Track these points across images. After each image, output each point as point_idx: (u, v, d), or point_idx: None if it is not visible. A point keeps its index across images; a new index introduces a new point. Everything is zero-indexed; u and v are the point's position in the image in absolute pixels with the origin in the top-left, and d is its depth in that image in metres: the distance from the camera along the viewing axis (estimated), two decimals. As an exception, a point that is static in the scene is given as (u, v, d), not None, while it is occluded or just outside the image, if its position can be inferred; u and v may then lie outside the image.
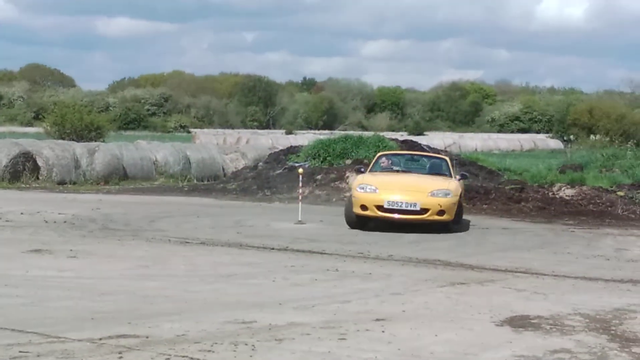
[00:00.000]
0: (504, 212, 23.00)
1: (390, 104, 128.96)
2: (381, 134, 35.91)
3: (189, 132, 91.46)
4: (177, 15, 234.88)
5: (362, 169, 20.32)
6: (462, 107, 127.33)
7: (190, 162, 35.12)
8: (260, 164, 32.39)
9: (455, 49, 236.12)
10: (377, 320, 9.35)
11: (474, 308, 10.27)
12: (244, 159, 36.50)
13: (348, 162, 28.01)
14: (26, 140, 34.98)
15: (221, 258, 14.12)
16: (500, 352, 8.25)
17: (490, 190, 24.82)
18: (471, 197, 23.81)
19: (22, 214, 19.57)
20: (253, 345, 8.10)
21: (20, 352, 7.73)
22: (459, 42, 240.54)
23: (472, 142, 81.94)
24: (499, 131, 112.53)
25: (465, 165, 29.68)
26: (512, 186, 25.50)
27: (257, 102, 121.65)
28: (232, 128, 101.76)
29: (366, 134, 35.05)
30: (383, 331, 8.85)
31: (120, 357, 7.62)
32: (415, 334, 8.84)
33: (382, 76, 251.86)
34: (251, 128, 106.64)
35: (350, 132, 41.74)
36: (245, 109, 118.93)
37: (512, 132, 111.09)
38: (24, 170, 29.87)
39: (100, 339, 8.21)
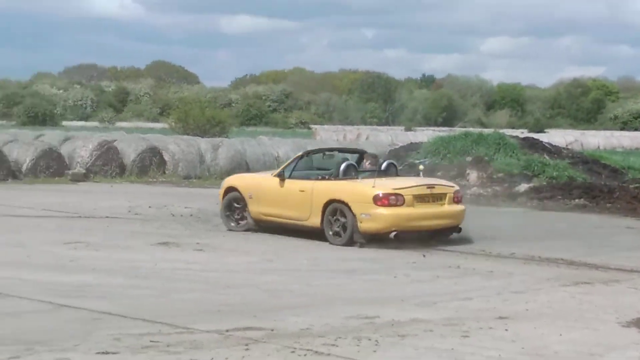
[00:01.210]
0: (628, 211, 22.45)
1: (510, 100, 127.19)
2: (501, 131, 35.51)
3: (309, 128, 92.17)
4: (298, 13, 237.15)
5: None
6: (584, 104, 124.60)
7: (311, 158, 35.44)
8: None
9: (576, 45, 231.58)
10: (500, 318, 9.33)
11: (598, 308, 10.12)
12: (363, 156, 36.62)
13: (468, 159, 27.81)
14: (153, 135, 35.90)
15: (343, 253, 14.26)
16: (626, 353, 8.13)
17: (614, 189, 24.28)
18: (594, 196, 23.37)
19: (149, 207, 20.11)
20: (376, 341, 8.19)
21: (151, 341, 8.01)
22: (580, 38, 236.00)
23: (595, 139, 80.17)
24: (622, 129, 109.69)
25: (588, 163, 29.11)
26: (637, 185, 24.89)
27: (376, 98, 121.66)
28: (352, 124, 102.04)
29: (486, 131, 34.69)
30: (506, 329, 8.82)
31: (247, 349, 7.81)
32: (538, 333, 8.78)
33: (502, 73, 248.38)
34: (370, 124, 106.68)
35: (470, 129, 41.40)
36: (365, 105, 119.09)
37: (636, 129, 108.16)
38: (151, 165, 30.65)
39: (227, 331, 8.43)
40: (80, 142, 30.20)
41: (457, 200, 16.02)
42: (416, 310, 9.74)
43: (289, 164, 16.95)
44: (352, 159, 16.89)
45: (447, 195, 15.82)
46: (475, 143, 29.06)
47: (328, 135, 68.50)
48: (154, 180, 29.74)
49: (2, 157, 27.13)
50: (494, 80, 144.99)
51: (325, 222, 15.41)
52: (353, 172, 15.89)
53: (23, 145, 28.68)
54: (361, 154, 17.29)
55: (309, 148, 34.61)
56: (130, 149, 30.64)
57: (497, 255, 14.44)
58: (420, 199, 15.39)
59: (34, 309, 9.50)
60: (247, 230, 16.77)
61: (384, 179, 15.71)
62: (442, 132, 51.34)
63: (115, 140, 31.18)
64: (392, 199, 14.92)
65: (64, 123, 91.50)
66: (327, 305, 9.95)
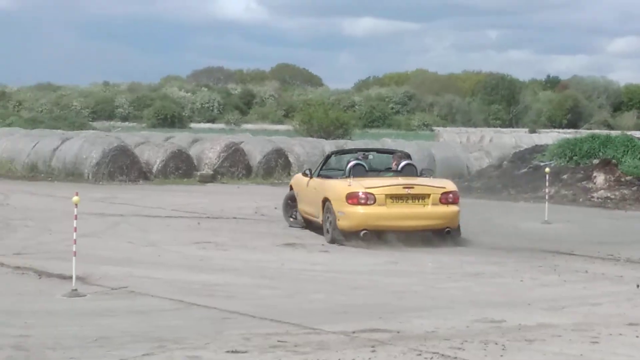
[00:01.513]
0: None
1: (637, 102, 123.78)
2: (629, 133, 34.65)
3: (432, 130, 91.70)
4: (421, 14, 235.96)
5: None
6: None
7: (434, 160, 35.29)
8: (505, 162, 32.03)
9: None
10: (630, 324, 9.13)
11: None
12: (487, 158, 36.20)
13: (595, 161, 27.26)
14: (278, 137, 36.41)
15: (468, 256, 14.17)
16: None
17: None
18: None
19: (275, 208, 20.37)
20: (503, 345, 8.13)
21: (278, 341, 8.14)
22: None
23: None
24: None
25: None
26: None
27: (500, 100, 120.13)
28: (475, 126, 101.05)
29: (614, 133, 33.91)
30: (637, 336, 8.64)
31: (373, 351, 7.87)
32: (671, 340, 8.57)
33: (629, 73, 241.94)
34: (493, 126, 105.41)
35: (597, 131, 40.53)
36: (488, 107, 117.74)
37: None
38: (276, 166, 31.10)
39: (354, 332, 8.51)
40: (208, 144, 30.86)
41: (446, 201, 15.38)
42: (544, 314, 9.62)
43: (318, 165, 17.58)
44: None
45: (431, 195, 15.32)
46: (603, 145, 28.40)
47: (451, 137, 68.03)
48: (279, 181, 30.11)
49: (133, 159, 27.95)
50: (621, 81, 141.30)
51: (324, 219, 15.75)
52: (361, 171, 15.90)
53: (154, 147, 29.49)
54: (394, 154, 17.29)
55: (433, 151, 34.48)
56: (256, 150, 31.15)
57: (627, 259, 14.10)
58: (396, 198, 15.19)
59: (166, 307, 9.78)
60: (302, 227, 17.20)
61: (365, 178, 15.65)
62: (568, 134, 50.37)
63: (242, 142, 31.75)
64: (362, 198, 14.95)
65: (192, 125, 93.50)
66: (452, 308, 9.93)
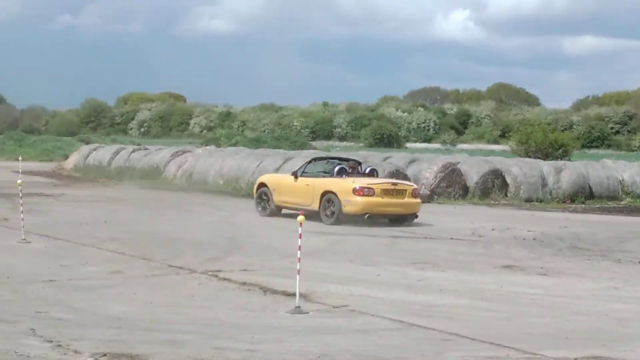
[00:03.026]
0: None
1: None
2: None
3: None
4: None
5: None
6: None
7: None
8: None
9: None
10: None
11: None
12: None
13: None
14: (495, 158, 36.07)
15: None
16: None
17: None
18: None
19: (492, 229, 20.26)
20: None
21: (498, 364, 8.11)
22: None
23: None
24: None
25: None
26: None
27: None
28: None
29: None
30: None
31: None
32: None
33: None
34: None
35: None
36: None
37: None
38: (492, 187, 30.83)
39: (576, 359, 8.35)
40: (425, 164, 30.99)
41: (415, 195, 21.76)
42: None
43: (301, 167, 23.30)
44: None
45: (407, 190, 21.67)
46: None
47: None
48: (496, 202, 29.87)
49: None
50: None
51: (322, 207, 21.41)
52: (343, 173, 21.76)
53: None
54: (353, 162, 22.91)
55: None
56: (473, 171, 31.00)
57: None
58: (387, 192, 21.20)
59: (386, 326, 9.92)
60: (270, 215, 22.69)
61: (365, 178, 21.82)
62: None
63: (458, 163, 31.69)
64: (365, 191, 20.85)
65: (408, 145, 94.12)
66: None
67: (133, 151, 40.61)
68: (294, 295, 10.81)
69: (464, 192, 30.59)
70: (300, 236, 10.99)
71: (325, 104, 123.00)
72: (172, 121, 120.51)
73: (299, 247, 10.90)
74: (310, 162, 23.51)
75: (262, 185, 23.52)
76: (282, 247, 16.34)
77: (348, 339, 9.18)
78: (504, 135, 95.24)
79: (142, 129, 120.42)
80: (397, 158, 33.60)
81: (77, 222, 20.04)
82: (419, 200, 21.88)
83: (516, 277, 13.87)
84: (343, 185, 21.13)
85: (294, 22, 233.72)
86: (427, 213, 22.69)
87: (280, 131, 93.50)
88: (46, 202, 25.04)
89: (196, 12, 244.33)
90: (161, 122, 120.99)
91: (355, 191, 20.82)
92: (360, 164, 23.15)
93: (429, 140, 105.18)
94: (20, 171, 36.95)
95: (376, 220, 21.14)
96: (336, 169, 21.94)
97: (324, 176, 22.03)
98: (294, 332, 9.47)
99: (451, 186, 30.35)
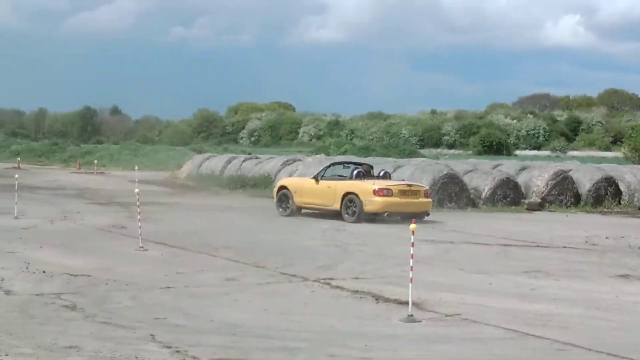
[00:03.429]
0: None
1: None
2: None
3: None
4: None
5: None
6: None
7: None
8: None
9: None
10: None
11: None
12: None
13: None
14: (608, 165, 35.45)
15: None
16: None
17: None
18: None
19: (606, 238, 19.92)
20: None
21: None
22: None
23: None
24: None
25: None
26: None
27: None
28: None
29: None
30: None
31: None
32: None
33: None
34: None
35: None
36: None
37: None
38: (605, 195, 30.27)
39: (698, 370, 8.18)
40: (536, 172, 30.63)
41: (427, 195, 23.95)
42: None
43: (320, 171, 25.40)
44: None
45: (420, 191, 23.80)
46: None
47: None
48: (609, 210, 29.32)
49: (462, 186, 28.38)
50: None
51: (343, 207, 23.55)
52: (361, 176, 23.85)
53: (482, 174, 29.73)
54: (367, 166, 24.97)
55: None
56: (585, 178, 30.51)
57: None
58: (403, 193, 23.31)
59: (499, 335, 9.87)
60: (290, 215, 24.71)
61: (380, 180, 23.97)
62: None
63: (570, 170, 31.23)
64: (384, 192, 22.99)
65: (517, 152, 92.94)
66: None
67: (245, 160, 41.17)
68: (406, 303, 10.83)
69: (576, 200, 30.12)
70: (412, 244, 11.02)
71: (433, 112, 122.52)
72: (281, 130, 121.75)
73: (412, 255, 10.94)
74: (329, 166, 25.74)
75: (283, 187, 25.58)
76: (392, 255, 16.38)
77: (462, 348, 9.17)
78: (615, 141, 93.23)
79: (252, 138, 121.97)
80: (507, 166, 33.31)
81: (191, 230, 20.46)
82: (430, 199, 24.20)
83: (632, 286, 13.61)
84: (364, 187, 23.29)
85: (401, 31, 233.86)
86: (539, 221, 22.46)
87: (389, 139, 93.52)
88: (161, 210, 25.62)
89: (304, 22, 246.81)
90: (271, 131, 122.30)
91: (375, 192, 22.96)
92: (372, 167, 25.27)
93: (538, 148, 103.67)
94: (137, 180, 37.89)
95: (393, 218, 23.09)
96: (355, 172, 24.09)
97: (341, 179, 24.17)
98: (407, 340, 9.51)
99: (563, 194, 29.92)
